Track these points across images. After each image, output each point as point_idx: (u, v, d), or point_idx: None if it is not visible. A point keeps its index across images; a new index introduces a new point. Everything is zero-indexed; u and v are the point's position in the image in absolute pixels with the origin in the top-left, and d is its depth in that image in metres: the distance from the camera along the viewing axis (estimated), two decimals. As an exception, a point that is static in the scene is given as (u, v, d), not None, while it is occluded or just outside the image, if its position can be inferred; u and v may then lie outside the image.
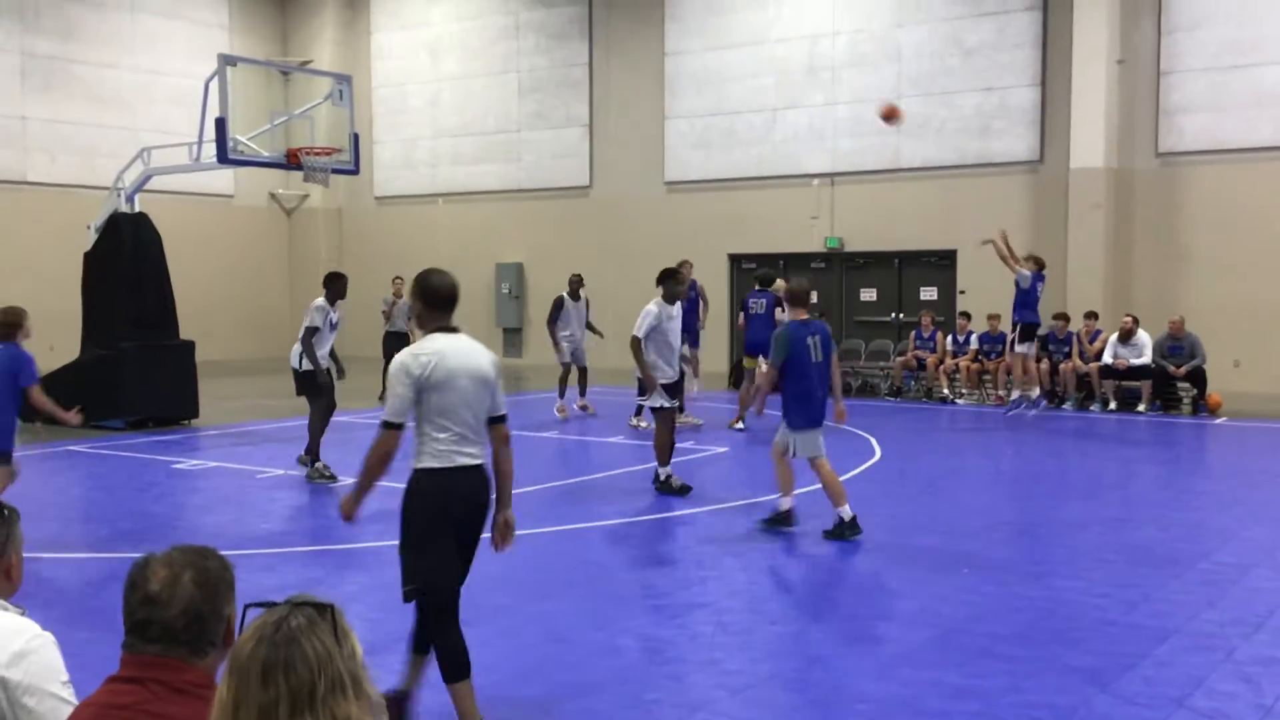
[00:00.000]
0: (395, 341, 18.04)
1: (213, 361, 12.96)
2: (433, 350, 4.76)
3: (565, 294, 16.31)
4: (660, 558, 8.26)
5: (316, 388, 10.90)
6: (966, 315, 18.30)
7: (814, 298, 13.95)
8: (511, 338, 24.83)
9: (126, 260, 15.21)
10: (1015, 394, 15.64)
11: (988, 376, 17.71)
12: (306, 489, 10.80)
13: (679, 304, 10.63)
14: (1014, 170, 19.51)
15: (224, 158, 14.30)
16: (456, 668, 4.79)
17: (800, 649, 6.17)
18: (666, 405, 10.34)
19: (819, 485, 8.80)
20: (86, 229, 15.80)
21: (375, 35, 26.67)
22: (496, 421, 4.96)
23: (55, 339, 19.08)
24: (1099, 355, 16.70)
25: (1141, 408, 16.35)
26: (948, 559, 7.96)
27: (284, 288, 26.42)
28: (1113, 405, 16.51)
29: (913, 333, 18.81)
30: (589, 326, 16.51)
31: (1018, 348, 15.46)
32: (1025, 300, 15.28)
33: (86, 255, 15.64)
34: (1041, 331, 16.15)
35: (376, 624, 6.19)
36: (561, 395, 15.83)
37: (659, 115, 22.83)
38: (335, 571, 7.86)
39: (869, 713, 5.23)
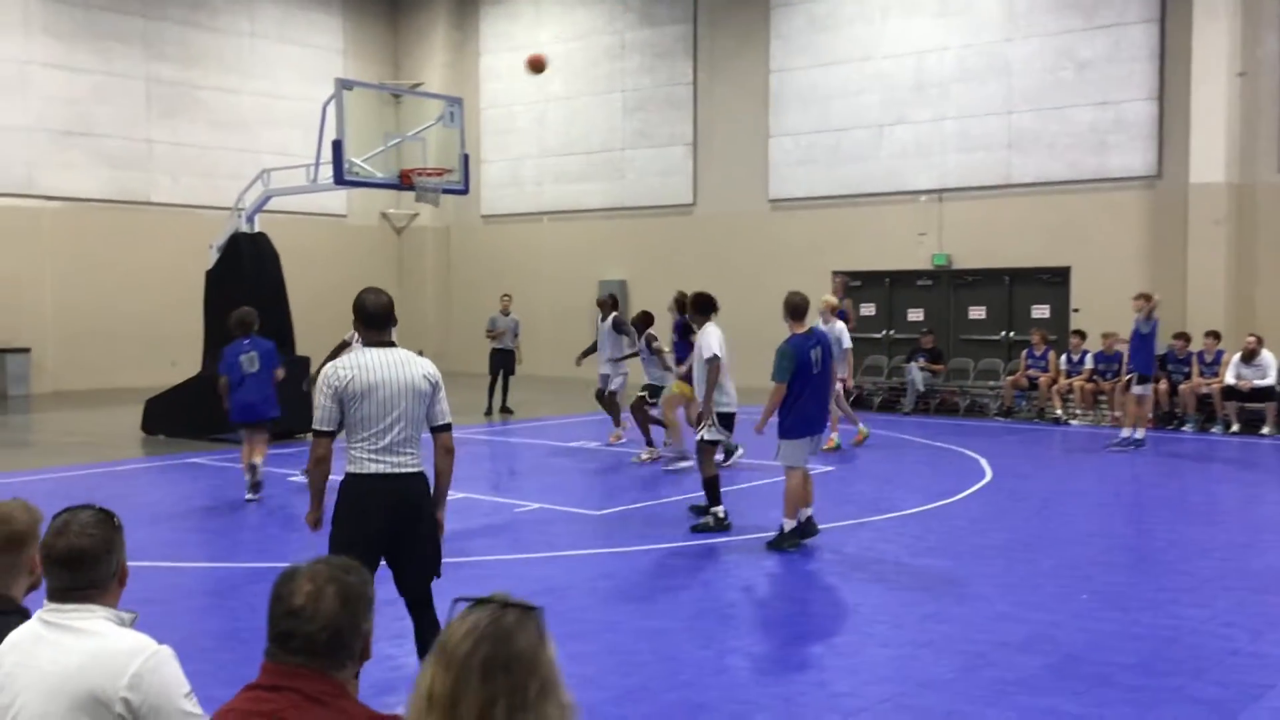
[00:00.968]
0: (501, 358, 18.31)
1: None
2: (355, 364, 5.11)
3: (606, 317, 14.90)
4: (766, 577, 8.21)
5: None
6: (1081, 334, 17.86)
7: (845, 305, 13.85)
8: (615, 355, 24.95)
9: (246, 278, 15.69)
10: (1124, 433, 14.98)
11: (1103, 397, 17.25)
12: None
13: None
14: (1131, 186, 19.01)
15: (340, 179, 14.68)
16: None
17: (911, 673, 6.07)
18: (715, 439, 9.56)
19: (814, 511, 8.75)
20: (208, 248, 16.34)
21: (484, 57, 27.14)
22: (438, 430, 5.28)
23: (178, 354, 19.82)
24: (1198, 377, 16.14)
25: (1266, 430, 15.76)
26: (1063, 584, 7.77)
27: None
28: (1235, 427, 15.95)
29: (1024, 351, 18.43)
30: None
31: (1134, 388, 14.84)
32: (1145, 345, 14.68)
33: (208, 273, 16.17)
34: (1160, 351, 15.66)
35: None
36: (617, 423, 14.83)
37: (763, 132, 22.79)
38: (446, 584, 7.96)
39: (984, 740, 5.12)
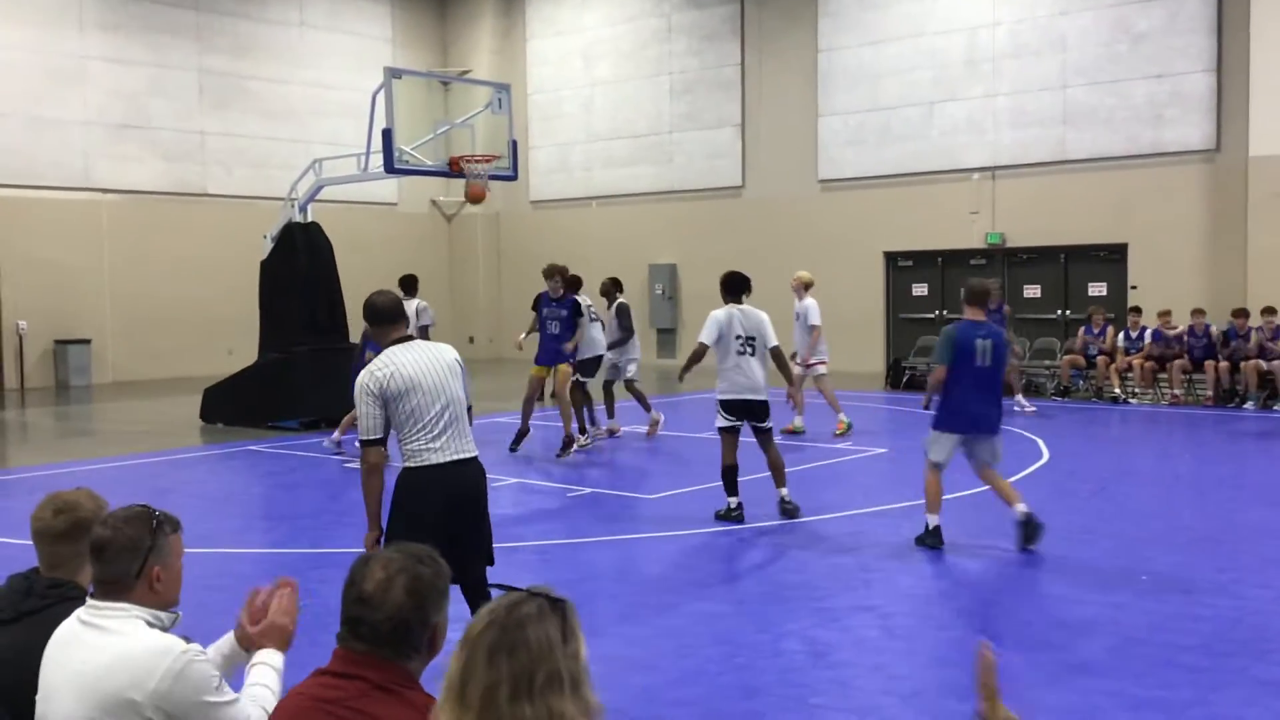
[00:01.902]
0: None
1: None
2: (388, 363, 5.14)
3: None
4: (821, 560, 8.17)
5: None
6: (1138, 310, 17.58)
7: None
8: (665, 338, 24.95)
9: (300, 268, 15.86)
10: None
11: (1163, 375, 16.97)
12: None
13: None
14: (1189, 159, 18.65)
15: (390, 167, 14.76)
16: None
17: (970, 655, 6.00)
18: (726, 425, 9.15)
19: (987, 488, 8.56)
20: (263, 238, 16.53)
21: (531, 43, 27.16)
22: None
23: (235, 344, 20.10)
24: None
25: (1331, 407, 15.46)
26: (1124, 565, 7.67)
27: (444, 291, 27.10)
28: (1299, 405, 15.65)
29: (1081, 329, 18.15)
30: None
31: None
32: None
33: (263, 264, 16.36)
34: (1222, 327, 15.38)
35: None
36: (611, 414, 14.27)
37: (812, 113, 22.62)
38: (500, 570, 8.00)
39: (1045, 723, 5.07)
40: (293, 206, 16.17)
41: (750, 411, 9.14)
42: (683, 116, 24.62)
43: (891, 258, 21.92)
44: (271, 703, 2.83)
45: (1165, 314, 16.78)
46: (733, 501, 9.21)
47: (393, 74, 15.18)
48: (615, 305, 14.39)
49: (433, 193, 27.21)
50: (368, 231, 24.67)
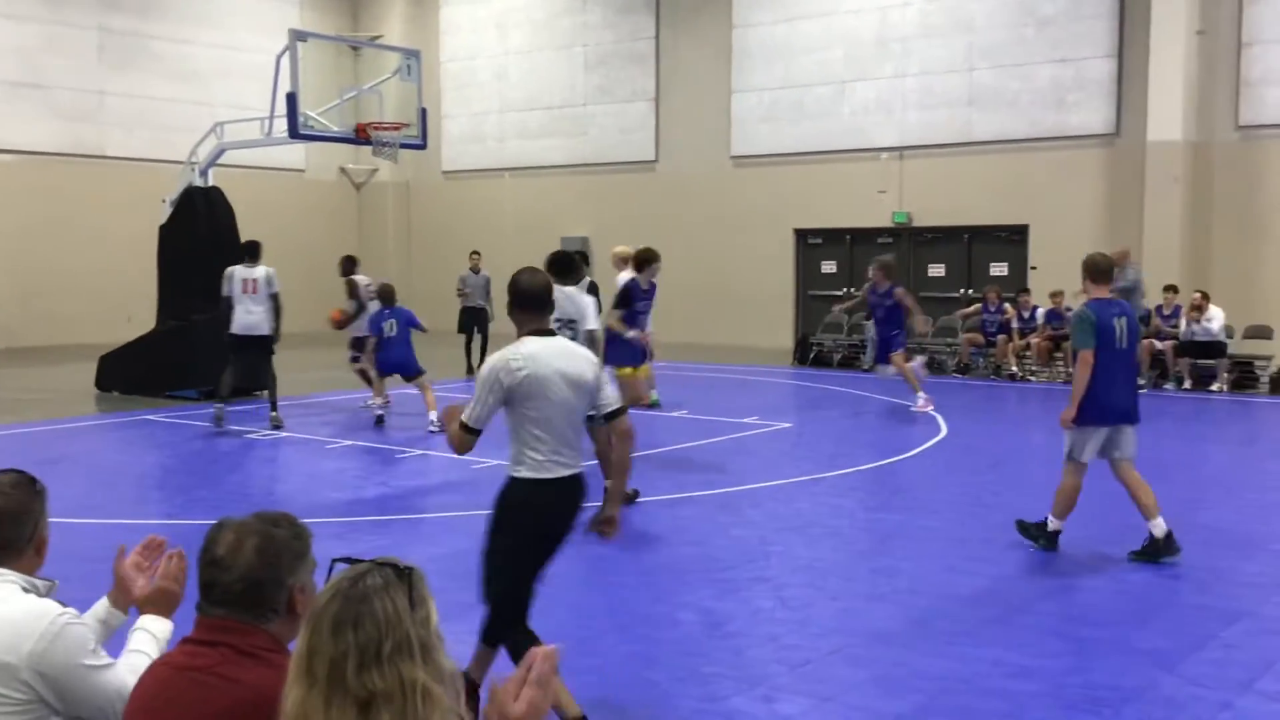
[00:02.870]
0: (472, 316, 18.14)
1: (284, 333, 13.19)
2: (525, 356, 4.59)
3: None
4: (720, 532, 8.26)
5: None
6: (1026, 290, 18.01)
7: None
8: (577, 312, 24.90)
9: (200, 233, 15.49)
10: None
11: (1059, 354, 17.41)
12: (375, 459, 10.98)
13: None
14: (1089, 143, 19.11)
15: (295, 133, 14.49)
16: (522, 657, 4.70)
17: (860, 625, 6.14)
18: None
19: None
20: (161, 202, 16.11)
21: (444, 9, 26.78)
22: (612, 416, 4.84)
23: (134, 309, 19.58)
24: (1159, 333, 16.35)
25: (1216, 387, 15.99)
26: (1013, 538, 7.87)
27: (353, 261, 26.73)
28: (1187, 384, 16.16)
29: (978, 305, 18.51)
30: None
31: None
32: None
33: (161, 228, 15.96)
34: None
35: (441, 592, 6.25)
36: None
37: (726, 89, 22.69)
38: (403, 540, 7.98)
39: (931, 690, 5.19)
40: (193, 170, 15.78)
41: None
42: (596, 89, 24.52)
43: (802, 235, 22.13)
44: None
45: (1057, 294, 17.19)
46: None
47: (298, 36, 14.88)
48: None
49: (341, 160, 26.76)
50: (274, 198, 24.17)
